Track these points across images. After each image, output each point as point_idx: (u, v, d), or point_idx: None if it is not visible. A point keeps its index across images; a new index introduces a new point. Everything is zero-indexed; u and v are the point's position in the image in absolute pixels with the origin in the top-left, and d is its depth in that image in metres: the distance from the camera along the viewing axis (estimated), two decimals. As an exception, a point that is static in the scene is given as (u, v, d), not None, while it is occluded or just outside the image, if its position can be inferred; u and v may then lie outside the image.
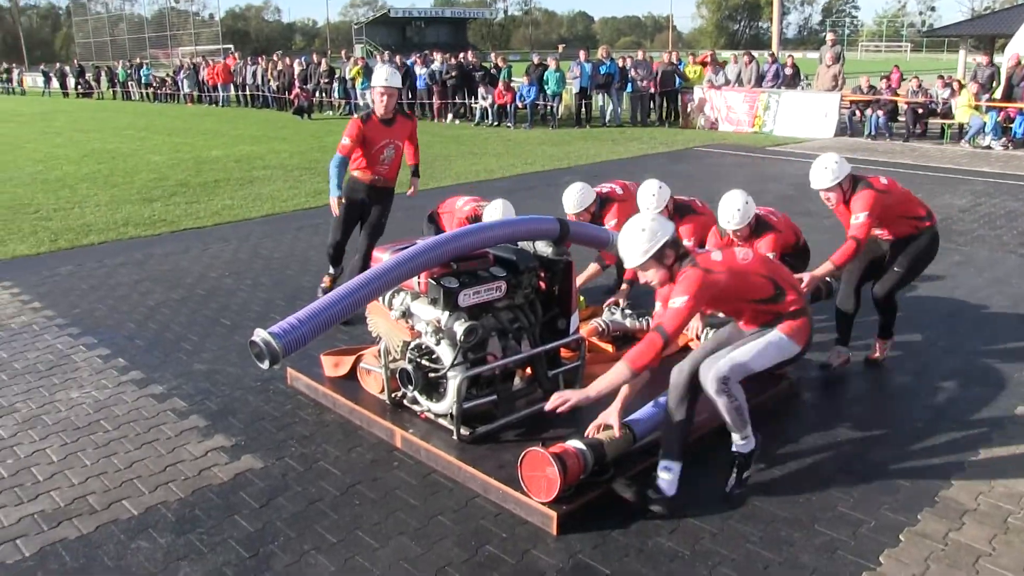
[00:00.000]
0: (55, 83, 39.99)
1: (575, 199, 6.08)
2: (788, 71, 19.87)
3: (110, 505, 3.92)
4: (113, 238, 9.35)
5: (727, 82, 20.22)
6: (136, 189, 12.44)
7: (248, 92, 28.83)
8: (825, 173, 4.96)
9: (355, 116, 6.35)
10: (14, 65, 47.41)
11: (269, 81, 27.67)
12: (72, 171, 14.49)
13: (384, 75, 6.29)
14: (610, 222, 6.04)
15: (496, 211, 6.00)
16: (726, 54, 32.60)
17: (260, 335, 3.53)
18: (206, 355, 5.75)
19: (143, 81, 34.49)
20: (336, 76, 25.79)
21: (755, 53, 21.87)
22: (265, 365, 3.54)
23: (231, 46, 48.01)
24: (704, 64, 20.92)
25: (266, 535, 3.67)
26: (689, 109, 20.45)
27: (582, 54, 20.65)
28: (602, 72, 20.45)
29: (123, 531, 3.71)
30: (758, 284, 3.86)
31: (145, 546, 3.60)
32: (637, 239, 3.73)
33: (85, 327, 6.36)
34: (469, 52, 27.42)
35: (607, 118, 20.88)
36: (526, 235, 4.50)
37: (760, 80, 19.94)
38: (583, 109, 20.94)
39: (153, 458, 4.33)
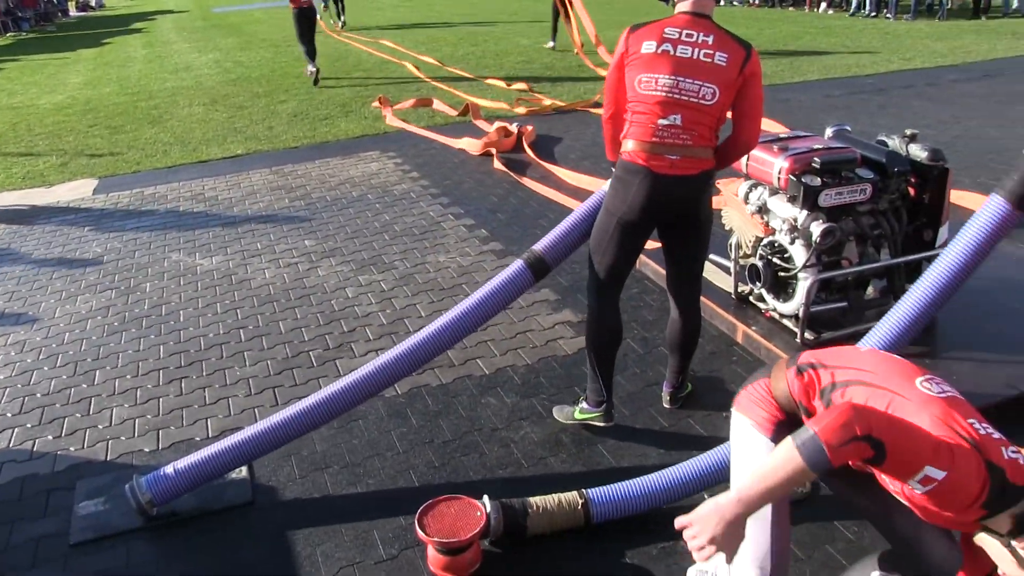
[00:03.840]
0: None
1: None
2: None
3: (466, 361, 4.30)
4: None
5: None
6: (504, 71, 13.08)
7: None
8: None
9: None
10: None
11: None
12: (449, 53, 15.53)
13: None
14: None
15: None
16: None
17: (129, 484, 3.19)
18: (558, 234, 5.99)
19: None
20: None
21: None
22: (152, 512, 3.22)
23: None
24: None
25: (603, 410, 3.82)
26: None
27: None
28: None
29: (475, 386, 4.07)
30: None
31: (493, 403, 3.92)
32: None
33: (454, 198, 6.91)
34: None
35: (1009, 7, 18.19)
36: None
37: None
38: (982, -4, 18.36)
39: (506, 324, 4.67)
